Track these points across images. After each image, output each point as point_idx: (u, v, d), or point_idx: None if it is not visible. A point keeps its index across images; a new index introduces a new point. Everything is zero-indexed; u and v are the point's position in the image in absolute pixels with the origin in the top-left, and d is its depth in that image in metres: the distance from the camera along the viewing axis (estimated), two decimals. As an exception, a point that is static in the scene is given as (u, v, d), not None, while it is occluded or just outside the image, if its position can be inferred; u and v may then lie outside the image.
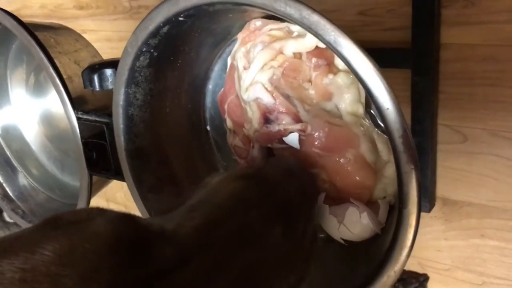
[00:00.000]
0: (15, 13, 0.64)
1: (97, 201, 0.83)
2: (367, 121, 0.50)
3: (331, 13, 0.67)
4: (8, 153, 0.84)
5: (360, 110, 0.50)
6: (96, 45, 0.78)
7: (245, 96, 0.53)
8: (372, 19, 0.65)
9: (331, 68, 0.50)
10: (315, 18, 0.41)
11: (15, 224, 0.84)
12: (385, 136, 0.49)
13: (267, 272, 0.39)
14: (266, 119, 0.52)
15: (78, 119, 0.62)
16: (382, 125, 0.48)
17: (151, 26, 0.50)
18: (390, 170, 0.50)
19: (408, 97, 0.63)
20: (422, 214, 0.69)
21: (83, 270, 0.29)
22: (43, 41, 0.61)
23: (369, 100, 0.48)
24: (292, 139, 0.51)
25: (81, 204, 0.66)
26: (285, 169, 0.48)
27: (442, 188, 0.67)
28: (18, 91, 0.84)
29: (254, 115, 0.53)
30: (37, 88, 0.82)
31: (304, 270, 0.44)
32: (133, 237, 0.33)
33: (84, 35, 0.78)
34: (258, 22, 0.53)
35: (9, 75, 0.83)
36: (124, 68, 0.54)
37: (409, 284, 0.71)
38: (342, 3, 0.66)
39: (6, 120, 0.86)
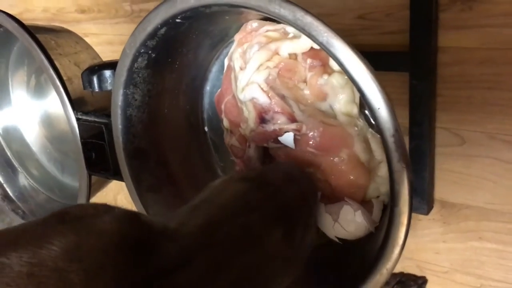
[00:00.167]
0: (17, 17, 0.65)
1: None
2: (361, 121, 0.50)
3: (330, 17, 0.67)
4: (9, 154, 0.85)
5: (354, 110, 0.50)
6: (97, 48, 0.78)
7: (241, 96, 0.53)
8: (371, 22, 0.65)
9: (325, 69, 0.50)
10: (308, 20, 0.41)
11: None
12: (378, 136, 0.50)
13: (265, 274, 0.40)
14: (262, 119, 0.52)
15: (78, 119, 0.63)
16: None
17: (149, 28, 0.51)
18: (383, 170, 0.50)
19: (407, 100, 0.63)
20: (421, 216, 0.69)
21: (89, 266, 0.29)
22: (44, 43, 0.62)
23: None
24: (287, 138, 0.51)
25: (80, 204, 0.66)
26: (286, 174, 0.48)
27: (440, 191, 0.67)
28: (19, 93, 0.85)
29: (250, 115, 0.53)
30: (38, 90, 0.83)
31: (298, 272, 0.44)
32: (138, 235, 0.33)
33: (86, 39, 0.78)
34: (254, 24, 0.53)
35: (11, 77, 0.84)
36: (123, 69, 0.54)
37: (408, 286, 0.71)
38: (341, 7, 0.67)
39: (7, 121, 0.86)
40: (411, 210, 0.41)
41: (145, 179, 0.60)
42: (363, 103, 0.51)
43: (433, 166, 0.66)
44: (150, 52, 0.54)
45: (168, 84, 0.59)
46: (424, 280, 0.72)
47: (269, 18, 0.50)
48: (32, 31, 0.63)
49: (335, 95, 0.50)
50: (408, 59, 0.62)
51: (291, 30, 0.52)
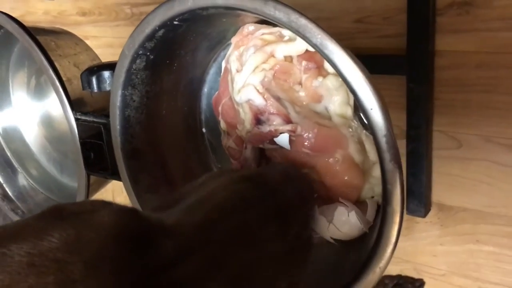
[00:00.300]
0: (19, 19, 0.66)
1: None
2: (356, 122, 0.51)
3: (328, 21, 0.68)
4: (8, 154, 0.85)
5: (349, 112, 0.50)
6: (98, 51, 0.79)
7: (238, 98, 0.53)
8: (369, 26, 0.66)
9: (320, 71, 0.50)
10: (302, 22, 0.42)
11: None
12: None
13: (264, 272, 0.40)
14: (258, 120, 0.52)
15: (77, 120, 0.63)
16: (369, 125, 0.49)
17: (147, 30, 0.51)
18: (377, 171, 0.50)
19: (404, 103, 0.63)
20: (418, 219, 0.69)
21: (88, 259, 0.29)
22: (44, 44, 0.62)
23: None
24: (283, 139, 0.52)
25: (79, 204, 0.66)
26: (284, 174, 0.48)
27: (438, 194, 0.67)
28: (19, 94, 0.85)
29: (246, 116, 0.53)
30: (38, 91, 0.84)
31: (298, 274, 0.44)
32: (136, 229, 0.33)
33: (87, 41, 0.79)
34: (251, 27, 0.54)
35: (11, 78, 0.84)
36: (121, 71, 0.55)
37: (405, 289, 0.71)
38: (339, 11, 0.67)
39: (7, 122, 0.87)
40: (403, 209, 0.41)
41: (143, 179, 0.60)
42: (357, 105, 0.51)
43: (430, 169, 0.66)
44: (148, 53, 0.54)
45: (166, 85, 0.60)
46: (421, 283, 0.72)
47: (266, 22, 0.50)
48: (32, 32, 0.63)
49: (330, 97, 0.50)
50: (405, 62, 0.62)
51: (286, 33, 0.52)
